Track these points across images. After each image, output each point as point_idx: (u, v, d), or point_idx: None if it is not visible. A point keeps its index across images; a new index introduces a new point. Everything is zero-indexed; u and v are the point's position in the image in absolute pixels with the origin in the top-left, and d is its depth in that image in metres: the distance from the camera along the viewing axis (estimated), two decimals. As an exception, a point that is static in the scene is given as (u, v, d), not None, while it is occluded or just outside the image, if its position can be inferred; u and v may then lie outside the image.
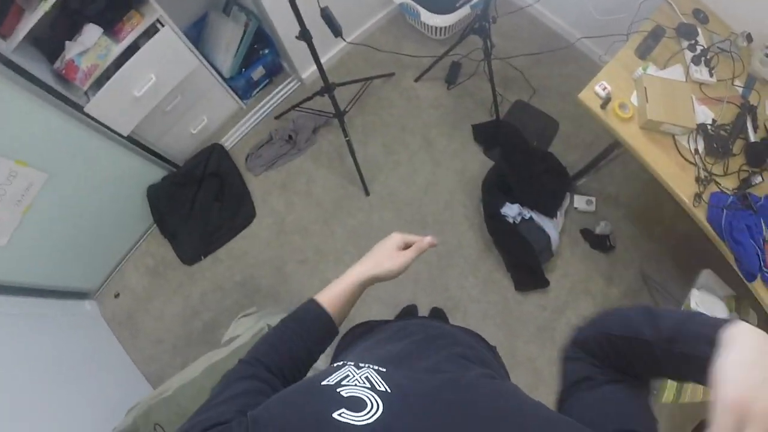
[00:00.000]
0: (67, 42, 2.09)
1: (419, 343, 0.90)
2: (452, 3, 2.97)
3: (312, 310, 0.94)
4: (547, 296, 2.71)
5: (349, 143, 2.64)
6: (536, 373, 2.58)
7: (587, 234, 2.78)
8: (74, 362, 2.44)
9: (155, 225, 2.94)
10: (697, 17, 2.20)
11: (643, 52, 2.11)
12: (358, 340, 1.18)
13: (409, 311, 2.58)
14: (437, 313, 2.50)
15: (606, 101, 1.98)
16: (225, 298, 2.82)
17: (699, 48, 2.10)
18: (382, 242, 1.07)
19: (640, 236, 2.81)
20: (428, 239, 1.06)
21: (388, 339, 0.99)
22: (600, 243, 2.75)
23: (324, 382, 0.64)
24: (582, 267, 2.75)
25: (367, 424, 0.55)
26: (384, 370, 0.69)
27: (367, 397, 0.59)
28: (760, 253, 1.80)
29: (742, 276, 1.85)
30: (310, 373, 0.89)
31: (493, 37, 2.57)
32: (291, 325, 0.91)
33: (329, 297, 0.96)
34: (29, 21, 1.87)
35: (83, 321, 2.76)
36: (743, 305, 2.20)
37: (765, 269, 1.80)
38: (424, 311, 2.64)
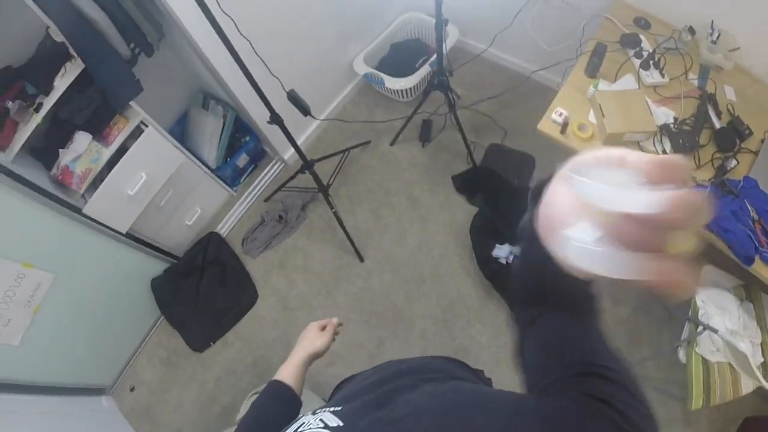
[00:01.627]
0: (60, 149, 2.26)
1: (381, 380, 0.89)
2: (412, 65, 3.16)
3: (281, 388, 1.12)
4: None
5: (336, 215, 2.74)
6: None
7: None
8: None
9: (163, 317, 3.00)
10: (639, 25, 2.33)
11: (592, 71, 2.21)
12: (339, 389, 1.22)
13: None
14: (451, 362, 2.47)
15: (564, 126, 2.05)
16: (239, 381, 2.82)
17: (645, 53, 2.20)
18: (306, 331, 1.32)
19: (634, 252, 2.79)
20: (335, 319, 1.36)
21: (360, 379, 1.00)
22: (598, 267, 2.75)
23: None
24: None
25: None
26: (339, 408, 0.70)
27: None
28: (752, 234, 1.80)
29: (739, 262, 1.84)
30: None
31: (458, 88, 2.71)
32: (271, 403, 1.10)
33: (286, 376, 1.16)
34: (24, 133, 2.06)
35: (102, 417, 2.77)
36: (753, 291, 2.19)
37: (761, 248, 1.80)
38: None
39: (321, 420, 0.66)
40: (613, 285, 0.39)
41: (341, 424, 0.64)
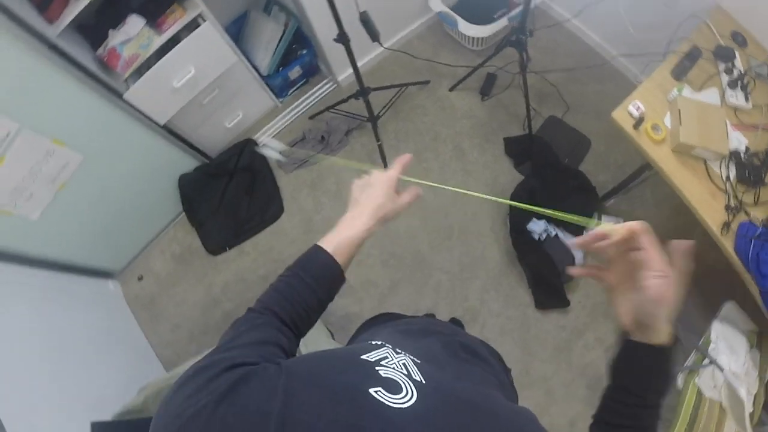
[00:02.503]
0: (110, 30, 2.17)
1: (445, 346, 0.91)
2: (490, 14, 2.98)
3: (321, 260, 0.89)
4: (566, 316, 2.67)
5: (380, 148, 2.66)
6: (549, 394, 2.54)
7: (614, 257, 2.73)
8: (92, 338, 2.51)
9: (184, 213, 3.00)
10: (735, 40, 2.15)
11: (679, 74, 2.07)
12: (385, 323, 1.19)
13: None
14: (456, 324, 2.49)
15: (639, 121, 1.95)
16: (247, 291, 2.86)
17: (736, 72, 2.05)
18: (376, 187, 1.00)
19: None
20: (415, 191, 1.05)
21: (418, 332, 0.99)
22: (625, 266, 2.70)
23: (363, 357, 0.64)
24: (603, 291, 2.69)
25: (401, 408, 0.54)
26: (419, 361, 0.69)
27: (404, 382, 0.59)
28: (783, 284, 1.73)
29: (765, 311, 1.79)
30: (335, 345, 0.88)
31: (531, 50, 2.57)
32: (300, 275, 0.86)
33: (336, 246, 0.90)
34: (75, 7, 1.95)
35: (105, 300, 2.84)
36: (764, 341, 2.16)
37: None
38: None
39: (405, 365, 0.65)
40: None
41: (423, 380, 0.62)
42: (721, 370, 1.95)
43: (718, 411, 2.02)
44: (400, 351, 0.70)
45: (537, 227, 2.65)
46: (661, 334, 0.73)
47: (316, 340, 2.13)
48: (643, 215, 2.76)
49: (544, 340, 2.63)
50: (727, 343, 2.07)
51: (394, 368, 0.61)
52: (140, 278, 2.97)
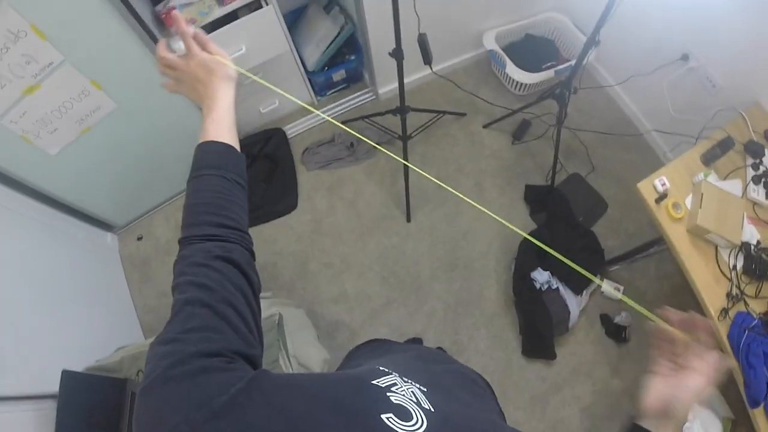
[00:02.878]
0: (173, -11, 2.18)
1: (452, 376, 0.92)
2: (539, 63, 3.06)
3: (237, 156, 0.92)
4: (550, 369, 2.69)
5: (406, 168, 2.69)
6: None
7: (606, 320, 2.77)
8: (79, 285, 2.49)
9: (198, 186, 2.98)
10: (767, 138, 2.23)
11: (708, 159, 2.14)
12: (378, 351, 1.20)
13: (415, 342, 2.59)
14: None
15: (662, 197, 2.02)
16: (241, 275, 2.84)
17: (762, 168, 2.12)
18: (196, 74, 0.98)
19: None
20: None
21: (421, 361, 0.99)
22: (616, 332, 2.73)
23: (374, 382, 0.64)
24: (591, 350, 2.73)
25: None
26: (425, 389, 0.69)
27: (414, 410, 0.58)
28: (771, 384, 1.78)
29: (746, 400, 1.81)
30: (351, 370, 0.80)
31: (569, 107, 2.63)
32: (223, 175, 0.86)
33: (215, 131, 0.93)
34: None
35: (99, 251, 2.83)
36: (738, 431, 2.19)
37: (771, 400, 1.78)
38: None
39: (413, 394, 0.64)
40: None
41: (432, 409, 0.62)
42: (692, 449, 1.98)
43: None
44: (407, 380, 0.70)
45: (540, 277, 2.69)
46: (676, 423, 0.74)
47: (304, 342, 2.13)
48: (644, 287, 2.83)
49: (523, 388, 2.65)
50: (702, 426, 2.10)
51: (404, 395, 0.61)
52: (139, 238, 2.96)
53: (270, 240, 2.94)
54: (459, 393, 0.85)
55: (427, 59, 2.17)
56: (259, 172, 2.96)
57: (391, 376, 0.68)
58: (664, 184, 2.04)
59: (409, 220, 2.98)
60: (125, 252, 2.94)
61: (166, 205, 3.03)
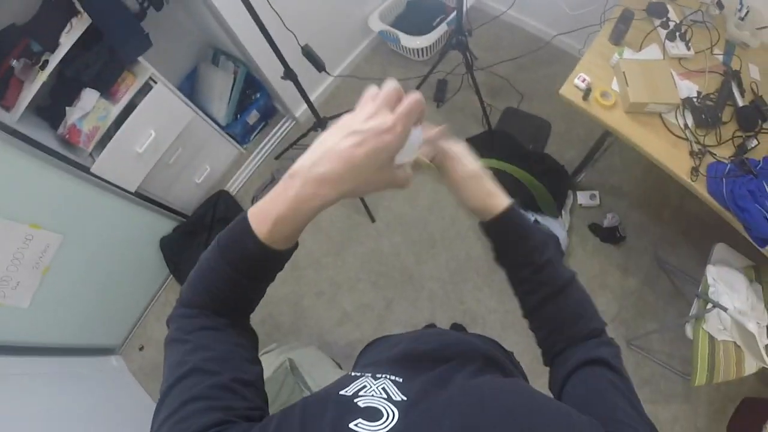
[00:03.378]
0: (67, 108, 2.21)
1: (435, 355, 0.89)
2: (429, 23, 3.06)
3: (249, 250, 0.64)
4: (563, 296, 2.68)
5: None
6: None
7: (596, 228, 2.77)
8: (104, 418, 2.47)
9: (171, 275, 3.00)
10: (666, -6, 2.24)
11: (617, 38, 2.14)
12: (374, 348, 1.19)
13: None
14: (457, 329, 2.50)
15: (587, 92, 2.01)
16: (246, 334, 2.84)
17: (671, 24, 2.13)
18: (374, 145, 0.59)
19: (649, 222, 2.79)
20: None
21: (405, 341, 0.99)
22: (610, 235, 2.74)
23: (342, 392, 0.64)
24: (595, 262, 2.73)
25: None
26: (401, 380, 0.69)
27: (384, 407, 0.59)
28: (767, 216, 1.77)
29: (754, 243, 1.82)
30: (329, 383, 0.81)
31: (475, 49, 2.64)
32: (225, 267, 0.66)
33: (272, 225, 0.62)
34: (29, 91, 2.00)
35: (111, 376, 2.81)
36: (763, 273, 2.18)
37: (776, 231, 1.77)
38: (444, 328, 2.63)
39: (384, 390, 0.64)
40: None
41: (404, 398, 0.62)
42: (725, 310, 1.95)
43: (734, 351, 2.03)
44: (379, 376, 0.70)
45: (514, 215, 2.68)
46: (495, 199, 0.80)
47: (324, 375, 2.13)
48: (617, 181, 2.83)
49: (547, 324, 2.64)
50: (725, 284, 2.08)
51: (373, 395, 0.62)
52: (141, 348, 2.95)
53: (257, 295, 2.92)
54: (442, 370, 0.81)
55: (319, 67, 2.18)
56: (221, 238, 2.96)
57: (361, 379, 0.68)
58: (584, 80, 2.04)
59: (373, 220, 2.98)
60: (134, 367, 2.93)
61: (152, 305, 3.02)
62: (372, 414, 0.57)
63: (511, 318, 2.67)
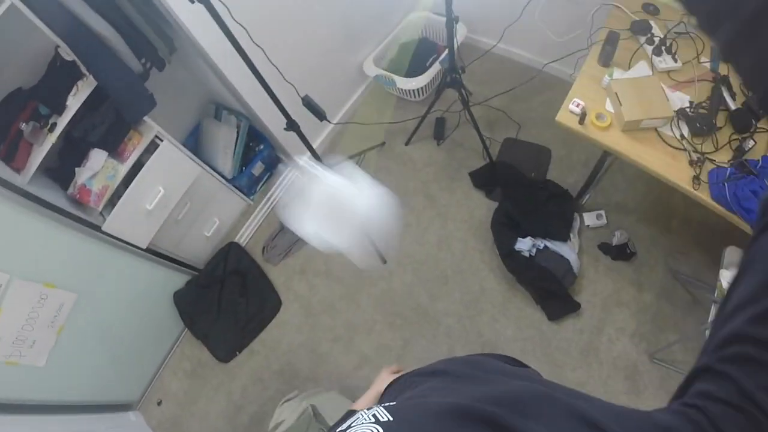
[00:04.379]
0: (76, 168, 2.28)
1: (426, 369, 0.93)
2: (422, 64, 3.14)
3: None
4: (581, 319, 2.66)
5: (357, 215, 2.72)
6: (590, 398, 2.49)
7: (606, 247, 2.77)
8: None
9: (186, 329, 3.01)
10: (647, 11, 2.30)
11: (605, 60, 2.19)
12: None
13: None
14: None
15: (582, 116, 2.04)
16: (266, 389, 2.82)
17: (656, 39, 2.17)
18: (380, 375, 1.20)
19: (658, 235, 2.78)
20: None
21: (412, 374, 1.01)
22: (620, 252, 2.73)
23: (339, 429, 0.66)
24: (609, 281, 2.72)
25: None
26: (393, 403, 0.71)
27: (370, 429, 0.61)
28: (774, 214, 1.78)
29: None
30: None
31: (469, 84, 2.70)
32: None
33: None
34: (39, 154, 2.07)
35: (130, 432, 2.79)
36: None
37: (784, 227, 1.77)
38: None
39: (373, 415, 0.66)
40: None
41: (390, 418, 0.64)
42: (743, 310, 1.94)
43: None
44: (372, 407, 0.71)
45: (524, 245, 2.69)
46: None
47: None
48: (622, 199, 2.85)
49: (567, 348, 2.61)
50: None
51: (363, 423, 0.64)
52: (159, 403, 2.93)
53: (274, 344, 2.93)
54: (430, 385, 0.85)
55: (320, 116, 2.22)
56: (233, 290, 2.98)
57: (355, 415, 0.70)
58: (578, 105, 2.08)
59: (384, 261, 2.99)
60: (153, 422, 2.90)
61: (168, 359, 3.01)
62: None
63: (530, 346, 2.64)
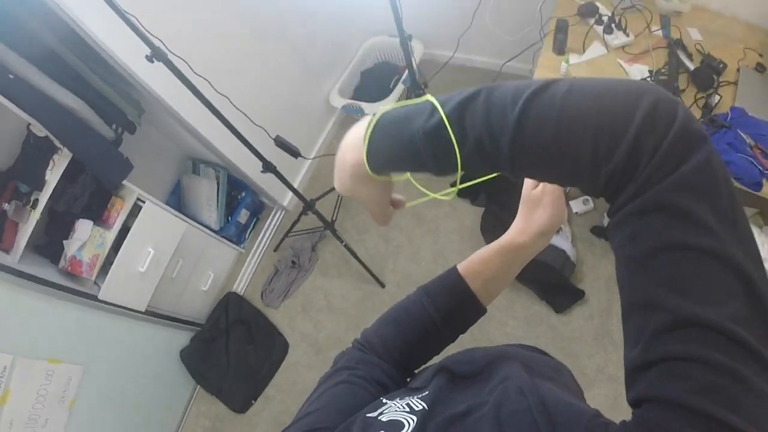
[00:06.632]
0: (64, 241, 2.28)
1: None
2: (386, 87, 3.20)
3: (448, 281, 0.84)
4: (588, 305, 2.68)
5: (347, 247, 2.74)
6: (613, 381, 2.49)
7: (598, 230, 2.80)
8: None
9: (199, 386, 2.97)
10: (593, -6, 2.37)
11: (560, 48, 2.25)
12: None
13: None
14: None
15: (549, 106, 2.09)
16: (289, 432, 2.78)
17: (605, 18, 2.24)
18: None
19: (647, 209, 2.79)
20: None
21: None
22: (614, 234, 2.75)
23: (369, 415, 0.66)
24: (608, 262, 2.73)
25: None
26: (427, 392, 0.71)
27: (404, 418, 0.61)
28: (753, 160, 1.83)
29: (750, 190, 1.85)
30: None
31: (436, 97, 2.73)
32: (423, 301, 0.83)
33: (468, 263, 0.86)
34: (25, 232, 2.08)
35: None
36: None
37: (766, 171, 1.82)
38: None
39: (407, 404, 0.66)
40: None
41: (425, 407, 0.64)
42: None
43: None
44: (406, 396, 0.72)
45: (516, 242, 2.71)
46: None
47: None
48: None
49: (581, 338, 2.62)
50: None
51: (396, 410, 0.64)
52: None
53: (289, 387, 2.90)
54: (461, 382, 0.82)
55: (295, 154, 2.25)
56: (239, 339, 2.96)
57: (389, 402, 0.70)
58: (543, 96, 2.12)
59: (383, 285, 3.00)
60: (179, 488, 2.86)
61: (185, 420, 2.94)
62: (394, 426, 0.59)
63: (543, 341, 2.64)
